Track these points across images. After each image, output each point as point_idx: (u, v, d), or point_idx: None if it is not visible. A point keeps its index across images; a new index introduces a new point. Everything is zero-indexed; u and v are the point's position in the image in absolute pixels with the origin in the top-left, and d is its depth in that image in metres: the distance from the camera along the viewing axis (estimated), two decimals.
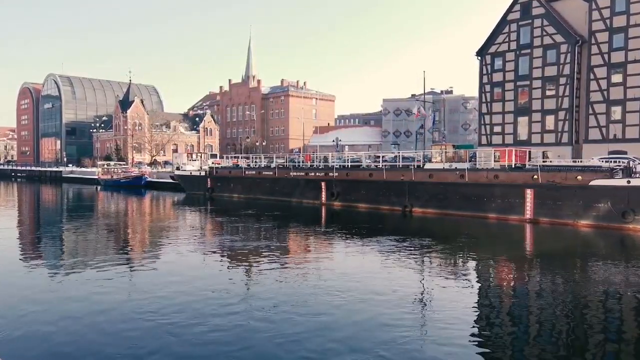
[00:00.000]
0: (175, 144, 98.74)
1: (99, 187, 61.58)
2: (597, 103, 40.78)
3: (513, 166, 28.38)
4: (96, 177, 67.10)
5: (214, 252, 18.34)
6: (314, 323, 9.98)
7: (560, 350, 9.04)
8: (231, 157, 57.15)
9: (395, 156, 36.60)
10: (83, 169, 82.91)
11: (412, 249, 18.87)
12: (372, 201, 32.84)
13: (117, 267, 15.30)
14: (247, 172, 43.50)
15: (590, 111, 41.07)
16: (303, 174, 38.50)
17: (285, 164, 43.22)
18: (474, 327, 10.13)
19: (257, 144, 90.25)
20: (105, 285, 12.85)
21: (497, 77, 46.36)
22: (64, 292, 12.28)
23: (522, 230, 24.43)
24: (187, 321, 9.98)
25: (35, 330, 9.55)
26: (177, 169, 55.38)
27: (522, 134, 45.04)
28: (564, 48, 42.38)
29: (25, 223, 28.98)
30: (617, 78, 39.74)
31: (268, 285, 13.15)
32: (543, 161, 29.08)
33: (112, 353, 8.50)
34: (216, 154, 72.76)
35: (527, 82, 44.46)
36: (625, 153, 35.53)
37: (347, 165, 36.78)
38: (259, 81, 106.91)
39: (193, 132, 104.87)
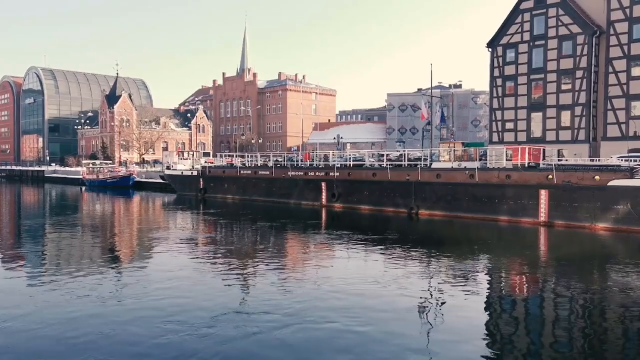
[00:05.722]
0: (165, 142, 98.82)
1: (83, 188, 61.66)
2: (616, 98, 40.78)
3: (526, 165, 28.37)
4: (81, 176, 67.23)
5: (206, 258, 18.33)
6: (314, 331, 9.97)
7: None
8: (225, 156, 57.28)
9: (401, 154, 36.61)
10: (67, 168, 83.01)
11: (419, 253, 18.87)
12: (375, 203, 32.85)
13: (99, 274, 15.27)
14: (242, 172, 43.53)
15: (609, 106, 41.07)
16: (302, 173, 38.52)
17: (283, 163, 43.19)
18: (485, 338, 10.12)
19: (253, 141, 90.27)
20: (89, 292, 12.83)
21: (510, 70, 46.35)
22: (43, 299, 12.25)
23: (535, 233, 24.43)
24: (177, 329, 9.95)
25: (16, 336, 9.54)
26: (168, 168, 55.46)
27: (536, 131, 45.04)
28: (580, 39, 42.37)
29: (3, 226, 28.94)
30: (637, 71, 39.73)
31: (264, 293, 13.13)
32: (558, 160, 29.09)
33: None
34: (209, 152, 72.86)
35: (542, 76, 44.44)
36: None
37: (349, 165, 36.75)
38: (254, 74, 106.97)
39: (184, 128, 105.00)
